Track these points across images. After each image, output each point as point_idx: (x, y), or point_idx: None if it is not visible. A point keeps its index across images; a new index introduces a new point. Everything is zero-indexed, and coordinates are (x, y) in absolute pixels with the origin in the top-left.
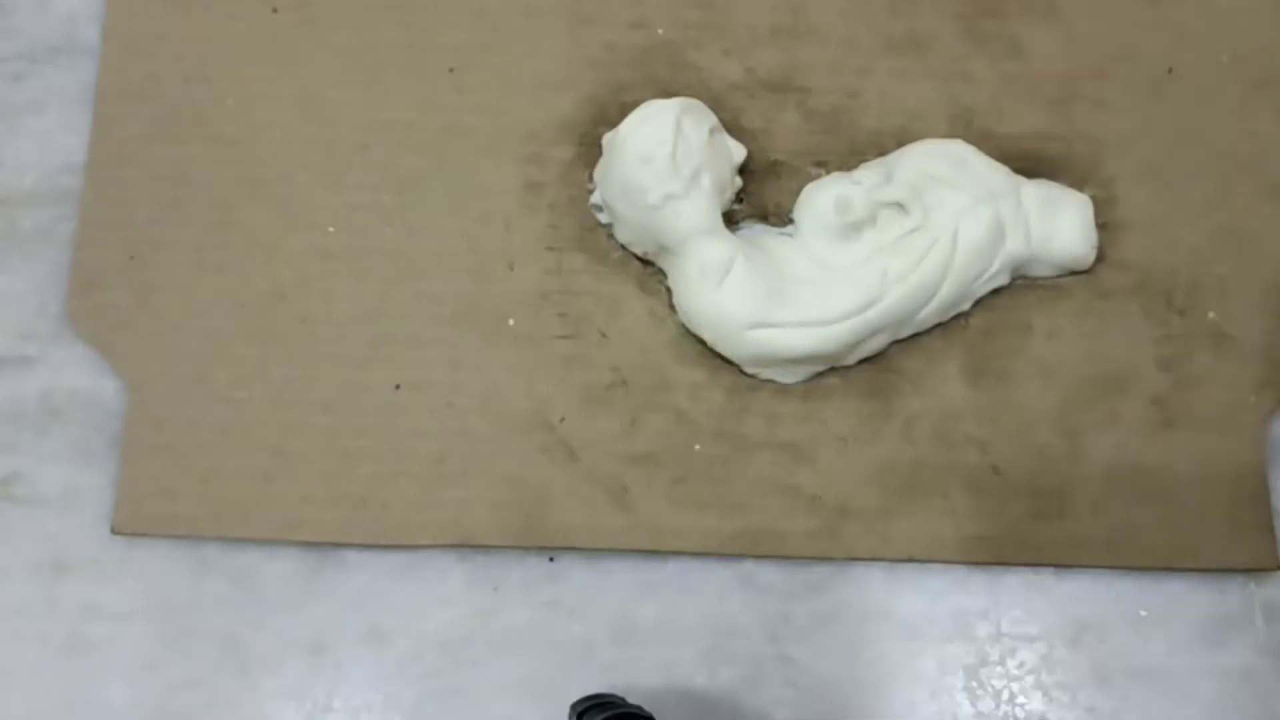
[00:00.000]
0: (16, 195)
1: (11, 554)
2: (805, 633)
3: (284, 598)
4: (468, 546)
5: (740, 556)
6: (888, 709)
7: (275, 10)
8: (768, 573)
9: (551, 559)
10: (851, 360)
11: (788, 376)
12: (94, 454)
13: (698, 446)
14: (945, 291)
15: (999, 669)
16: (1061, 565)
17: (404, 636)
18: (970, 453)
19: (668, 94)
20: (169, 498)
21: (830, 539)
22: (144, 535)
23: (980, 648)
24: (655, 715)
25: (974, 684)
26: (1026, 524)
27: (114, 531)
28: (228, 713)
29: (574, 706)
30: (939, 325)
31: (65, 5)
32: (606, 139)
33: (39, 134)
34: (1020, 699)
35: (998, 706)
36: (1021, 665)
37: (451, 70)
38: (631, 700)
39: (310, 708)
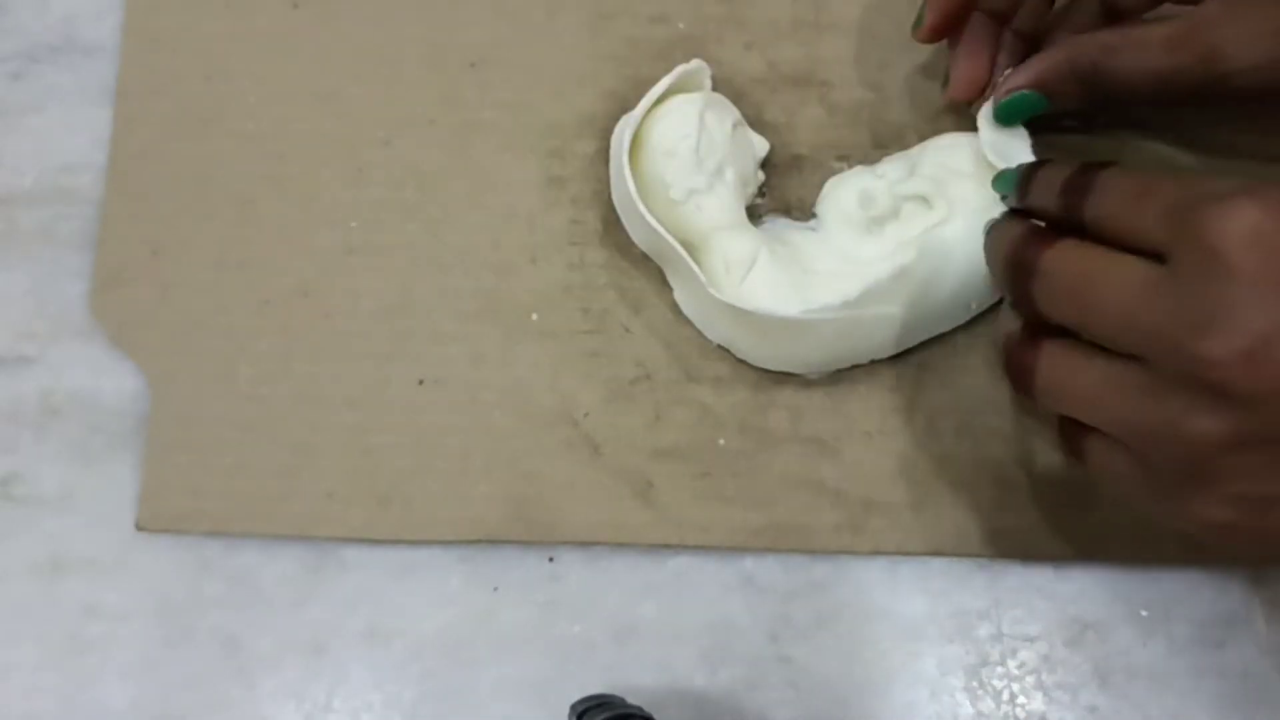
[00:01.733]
0: (16, 195)
1: (11, 554)
2: (805, 633)
3: (284, 598)
4: (491, 541)
5: (745, 552)
6: (888, 709)
7: (295, 6)
8: (768, 573)
9: (551, 559)
10: (879, 354)
11: (811, 371)
12: (94, 454)
13: (722, 441)
14: None
15: (999, 669)
16: (1090, 559)
17: (403, 636)
18: (995, 446)
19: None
20: (192, 494)
21: (855, 533)
22: (168, 531)
23: (981, 648)
24: (655, 715)
25: (974, 684)
26: (1053, 517)
27: (139, 528)
28: (227, 713)
29: (574, 707)
30: None
31: (65, 5)
32: (618, 137)
33: (39, 134)
34: (1021, 699)
35: (998, 707)
36: (1022, 665)
37: (473, 65)
38: (631, 700)
39: (310, 708)
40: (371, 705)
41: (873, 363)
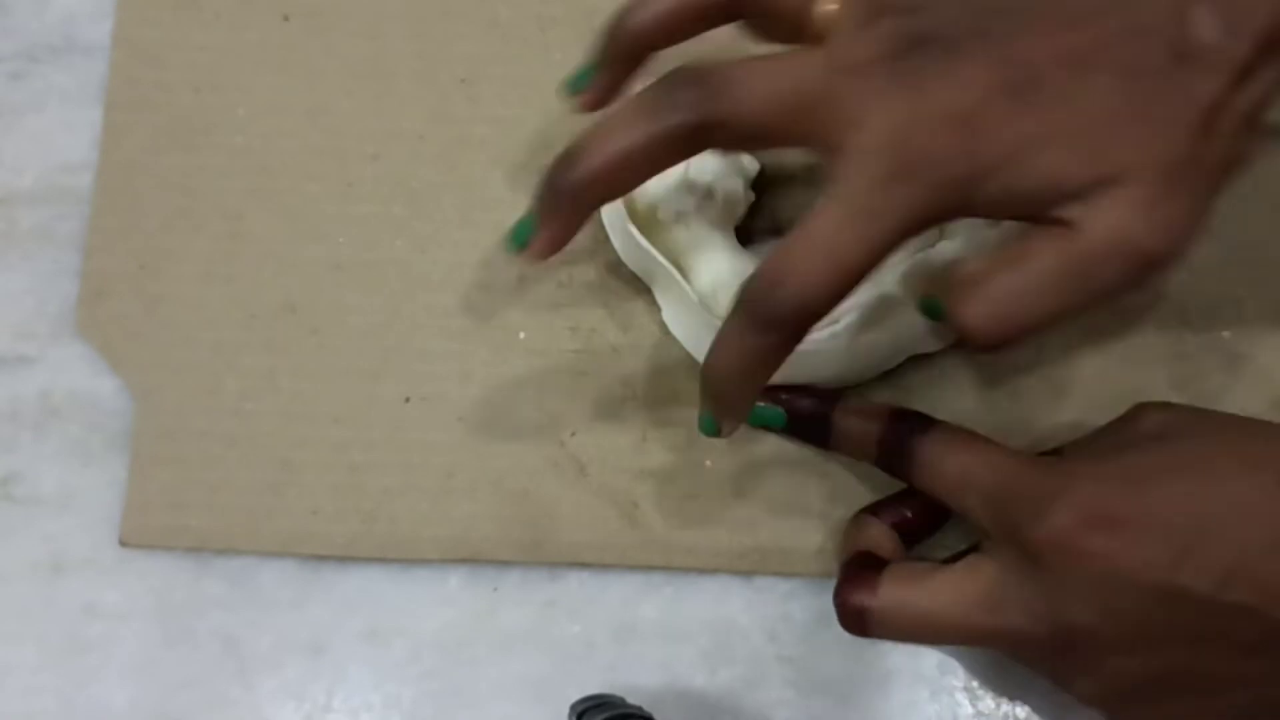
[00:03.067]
0: (16, 195)
1: (11, 554)
2: (805, 633)
3: (283, 598)
4: (476, 561)
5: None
6: (887, 709)
7: (286, 19)
8: (768, 573)
9: None
10: (864, 377)
11: None
12: (93, 454)
13: (709, 462)
14: None
15: None
16: None
17: (403, 637)
18: None
19: None
20: (177, 509)
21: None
22: (152, 547)
23: None
24: (655, 715)
25: (974, 684)
26: None
27: (122, 543)
28: (227, 713)
29: (574, 707)
30: None
31: (65, 5)
32: None
33: (39, 134)
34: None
35: (998, 706)
36: None
37: (463, 80)
38: (631, 700)
39: (310, 708)
40: (371, 705)
41: (859, 385)
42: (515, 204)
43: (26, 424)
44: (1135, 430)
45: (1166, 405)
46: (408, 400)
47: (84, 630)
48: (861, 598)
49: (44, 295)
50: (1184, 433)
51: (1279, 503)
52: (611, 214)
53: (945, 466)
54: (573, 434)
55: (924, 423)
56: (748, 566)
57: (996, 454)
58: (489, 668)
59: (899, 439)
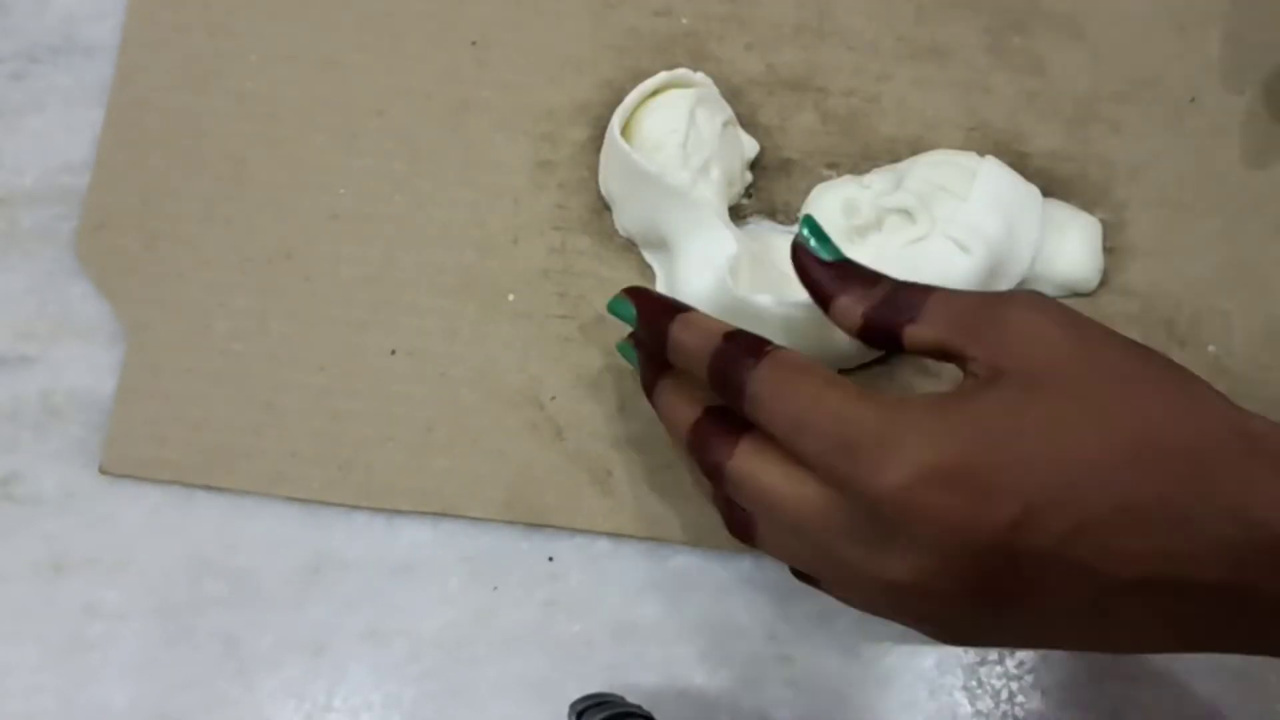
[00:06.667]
0: (16, 195)
1: (11, 554)
2: (805, 632)
3: (284, 598)
4: (447, 515)
5: (726, 551)
6: (887, 708)
7: None
8: (768, 572)
9: (550, 558)
10: (849, 364)
11: None
12: (94, 454)
13: None
14: None
15: (998, 668)
16: None
17: (403, 636)
18: None
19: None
20: (159, 443)
21: None
22: (131, 477)
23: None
24: (655, 715)
25: (973, 683)
26: None
27: (102, 471)
28: (227, 713)
29: (573, 706)
30: None
31: (65, 5)
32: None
33: (39, 134)
34: (1019, 698)
35: (997, 705)
36: (1020, 664)
37: (473, 43)
38: (631, 700)
39: (310, 708)
40: (371, 705)
41: (842, 372)
42: (516, 168)
43: (26, 424)
44: (998, 364)
45: (1042, 310)
46: (393, 353)
47: (84, 630)
48: (719, 456)
49: (44, 295)
50: (1049, 373)
51: (1128, 468)
52: (626, 165)
53: (780, 406)
54: (553, 398)
55: (757, 349)
56: (716, 542)
57: (836, 394)
58: (489, 668)
59: (730, 364)
